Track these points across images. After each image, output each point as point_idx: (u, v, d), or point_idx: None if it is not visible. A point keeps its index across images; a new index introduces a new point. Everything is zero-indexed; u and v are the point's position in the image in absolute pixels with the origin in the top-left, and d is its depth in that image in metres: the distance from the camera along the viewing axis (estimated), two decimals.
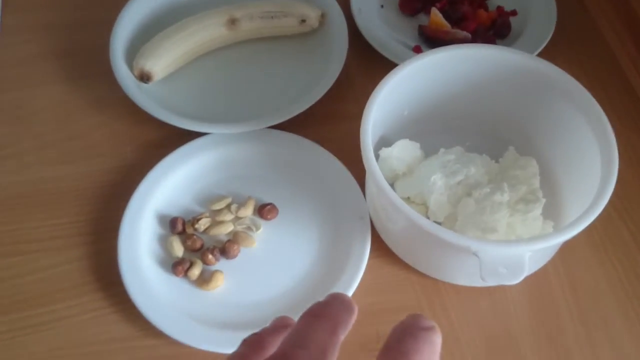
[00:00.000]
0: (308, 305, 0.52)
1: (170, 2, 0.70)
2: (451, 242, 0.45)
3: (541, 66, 0.54)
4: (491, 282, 0.44)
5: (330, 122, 0.64)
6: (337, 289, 0.52)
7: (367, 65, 0.68)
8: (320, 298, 0.53)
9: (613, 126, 0.52)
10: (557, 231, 0.46)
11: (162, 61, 0.62)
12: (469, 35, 0.66)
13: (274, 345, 0.30)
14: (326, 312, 0.29)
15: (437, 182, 0.53)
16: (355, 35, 0.67)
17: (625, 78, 0.67)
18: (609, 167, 0.48)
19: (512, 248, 0.45)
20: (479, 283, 0.52)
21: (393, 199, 0.47)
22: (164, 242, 0.56)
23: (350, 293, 0.52)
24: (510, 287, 0.44)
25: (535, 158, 0.57)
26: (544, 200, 0.54)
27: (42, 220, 0.58)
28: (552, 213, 0.55)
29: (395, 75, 0.53)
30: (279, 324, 0.33)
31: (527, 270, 0.44)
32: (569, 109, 0.53)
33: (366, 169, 0.49)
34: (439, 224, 0.55)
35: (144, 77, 0.62)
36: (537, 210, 0.53)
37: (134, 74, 0.62)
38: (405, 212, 0.46)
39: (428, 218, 0.54)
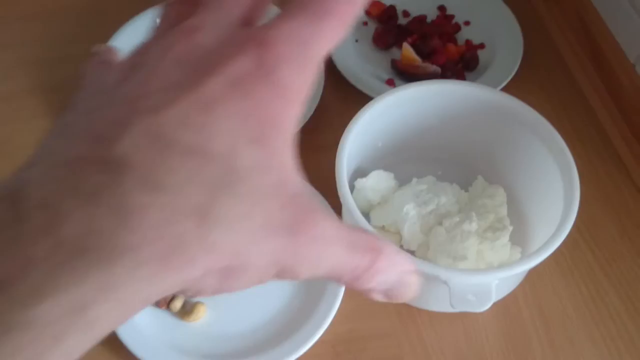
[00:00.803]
0: (288, 334, 0.54)
1: None
2: (422, 271, 0.47)
3: (505, 100, 0.57)
4: (460, 309, 0.47)
5: (308, 153, 0.65)
6: (315, 316, 0.54)
7: (343, 97, 0.70)
8: (299, 326, 0.55)
9: (577, 153, 0.55)
10: (521, 260, 0.48)
11: None
12: (439, 69, 0.69)
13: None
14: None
15: (410, 212, 0.56)
16: (331, 68, 0.70)
17: (590, 107, 0.70)
18: (571, 199, 0.51)
19: (479, 277, 0.47)
20: (451, 309, 0.55)
21: (366, 229, 0.49)
22: None
23: (328, 321, 0.54)
24: (481, 312, 0.46)
25: (503, 187, 0.60)
26: (511, 228, 0.56)
27: None
28: (520, 239, 0.58)
29: (369, 110, 0.56)
30: None
31: (495, 298, 0.47)
32: (532, 140, 0.56)
33: (341, 202, 0.52)
34: (413, 252, 0.57)
35: None
36: (505, 237, 0.55)
37: None
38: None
39: (402, 246, 0.57)
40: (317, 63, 0.22)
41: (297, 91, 0.22)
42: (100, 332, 0.20)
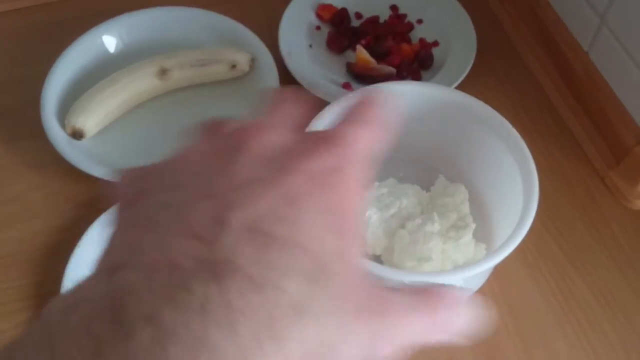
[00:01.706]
0: None
1: (101, 56, 0.70)
2: (385, 277, 0.47)
3: (460, 98, 0.56)
4: None
5: None
6: None
7: None
8: None
9: (537, 145, 0.55)
10: (484, 258, 0.47)
11: (94, 117, 0.63)
12: (394, 70, 0.68)
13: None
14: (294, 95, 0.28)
15: (372, 217, 0.55)
16: (286, 76, 0.69)
17: (547, 97, 0.70)
18: (530, 193, 0.50)
19: (443, 278, 0.46)
20: None
21: None
22: None
23: None
24: None
25: (465, 184, 0.60)
26: (474, 225, 0.56)
27: None
28: (484, 236, 0.57)
29: (323, 116, 0.55)
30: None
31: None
32: (490, 136, 0.56)
33: None
34: (378, 257, 0.56)
35: (77, 134, 0.62)
36: (468, 235, 0.55)
37: (66, 131, 0.62)
38: None
39: (367, 252, 0.56)
40: (371, 170, 0.25)
41: (363, 185, 0.24)
42: None
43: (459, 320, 0.25)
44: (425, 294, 0.24)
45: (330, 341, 0.20)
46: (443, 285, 0.25)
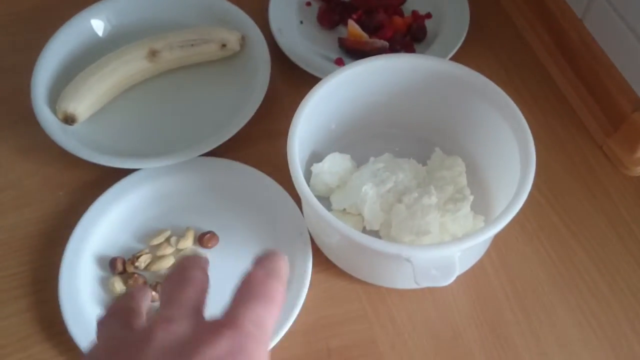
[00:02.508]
0: None
1: (90, 40, 0.69)
2: (383, 251, 0.46)
3: (454, 69, 0.56)
4: (425, 285, 0.46)
5: (262, 142, 0.65)
6: (283, 306, 0.53)
7: (292, 82, 0.69)
8: None
9: (534, 114, 0.54)
10: (482, 228, 0.47)
11: (85, 101, 0.62)
12: (387, 44, 0.67)
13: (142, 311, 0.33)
14: (187, 276, 0.33)
15: (369, 192, 0.55)
16: (277, 53, 0.68)
17: (542, 66, 0.69)
18: (527, 163, 0.50)
19: (441, 250, 0.46)
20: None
21: (324, 215, 0.48)
22: (105, 284, 0.55)
23: (297, 310, 0.53)
24: (450, 285, 0.45)
25: (461, 156, 0.59)
26: (472, 198, 0.55)
27: None
28: (483, 208, 0.57)
29: (316, 92, 0.55)
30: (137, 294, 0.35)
31: (458, 270, 0.46)
32: (486, 107, 0.55)
33: (296, 188, 0.50)
34: (376, 232, 0.56)
35: (68, 120, 0.62)
36: (466, 207, 0.54)
37: (58, 117, 0.62)
38: (335, 227, 0.47)
39: (365, 228, 0.56)
40: (270, 337, 0.30)
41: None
42: None
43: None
44: None
45: None
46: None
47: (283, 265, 0.33)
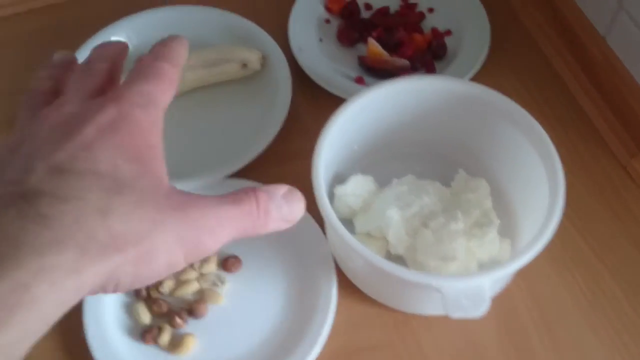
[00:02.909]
0: (283, 356, 0.52)
1: None
2: (413, 281, 0.46)
3: (480, 92, 0.55)
4: (457, 316, 0.45)
5: (284, 163, 0.64)
6: (309, 332, 0.53)
7: (313, 100, 0.68)
8: (294, 346, 0.53)
9: (557, 135, 0.53)
10: (513, 258, 0.47)
11: None
12: (408, 63, 0.67)
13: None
14: (89, 67, 0.35)
15: (393, 216, 0.54)
16: (298, 71, 0.68)
17: (565, 86, 0.69)
18: (556, 189, 0.49)
19: (472, 280, 0.46)
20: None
21: (351, 242, 0.47)
22: (129, 309, 0.55)
23: (323, 337, 0.52)
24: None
25: (486, 178, 0.59)
26: (498, 222, 0.55)
27: None
28: (509, 231, 0.56)
29: (341, 114, 0.54)
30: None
31: (490, 301, 0.45)
32: (510, 129, 0.55)
33: (321, 212, 0.50)
34: (400, 256, 0.55)
35: None
36: (493, 232, 0.54)
37: None
38: (362, 254, 0.47)
39: (389, 252, 0.56)
40: (161, 107, 0.33)
41: (151, 124, 0.31)
42: (46, 312, 0.26)
43: (278, 201, 0.33)
44: (233, 197, 0.32)
45: (139, 231, 0.28)
46: (255, 189, 0.32)
47: (175, 47, 0.35)
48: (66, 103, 0.31)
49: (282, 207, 0.33)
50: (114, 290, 0.29)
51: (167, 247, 0.29)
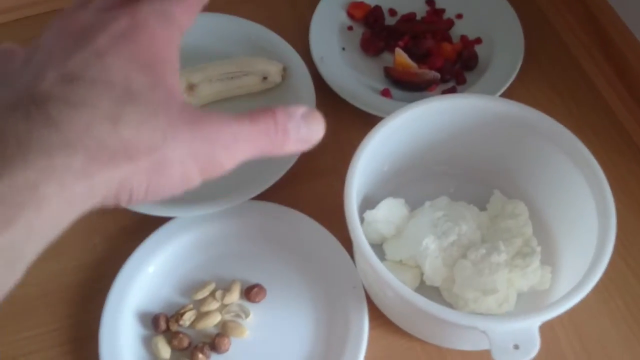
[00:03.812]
0: None
1: None
2: (456, 322, 0.43)
3: (517, 110, 0.52)
4: None
5: (306, 182, 0.61)
6: None
7: (336, 114, 0.64)
8: None
9: (595, 151, 0.50)
10: (566, 297, 0.43)
11: None
12: (438, 75, 0.63)
13: None
14: None
15: (430, 246, 0.51)
16: (319, 82, 0.64)
17: (601, 96, 0.65)
18: (606, 219, 0.46)
19: (522, 322, 0.42)
20: (484, 347, 0.50)
21: (389, 280, 0.44)
22: (148, 343, 0.52)
23: None
24: None
25: (522, 199, 0.55)
26: (539, 249, 0.52)
27: (13, 335, 0.53)
28: (548, 257, 0.53)
29: (374, 136, 0.51)
30: None
31: (539, 344, 0.42)
32: (551, 149, 0.52)
33: (352, 238, 0.47)
34: (437, 287, 0.52)
35: None
36: (536, 262, 0.51)
37: None
38: (403, 295, 0.43)
39: (424, 282, 0.53)
40: (179, 26, 0.31)
41: (168, 39, 0.30)
42: (54, 215, 0.25)
43: (297, 122, 0.31)
44: (250, 115, 0.30)
45: (150, 141, 0.27)
46: (273, 108, 0.31)
47: None
48: (81, 13, 0.31)
49: (301, 127, 0.31)
50: (128, 202, 0.28)
51: (180, 159, 0.28)
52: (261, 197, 0.57)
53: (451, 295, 0.51)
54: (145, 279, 0.54)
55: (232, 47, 0.66)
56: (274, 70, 0.63)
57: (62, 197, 0.25)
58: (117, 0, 0.31)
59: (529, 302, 0.52)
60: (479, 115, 0.53)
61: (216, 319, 0.52)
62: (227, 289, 0.54)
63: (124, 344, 0.51)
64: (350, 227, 0.46)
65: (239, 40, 0.66)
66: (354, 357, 0.50)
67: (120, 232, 0.58)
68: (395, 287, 0.44)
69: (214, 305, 0.53)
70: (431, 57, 0.65)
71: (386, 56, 0.67)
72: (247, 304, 0.54)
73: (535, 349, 0.42)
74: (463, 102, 0.53)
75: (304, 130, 0.32)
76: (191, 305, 0.53)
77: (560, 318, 0.53)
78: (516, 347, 0.42)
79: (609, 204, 0.47)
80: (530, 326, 0.42)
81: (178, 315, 0.52)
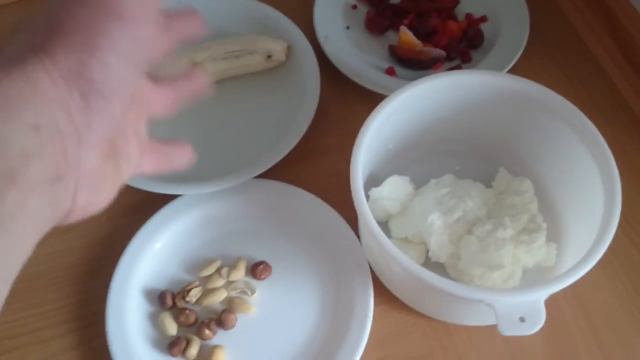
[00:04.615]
0: None
1: None
2: (463, 296, 0.43)
3: (524, 86, 0.51)
4: (511, 334, 0.42)
5: (310, 160, 0.61)
6: (346, 344, 0.50)
7: (341, 93, 0.64)
8: (330, 357, 0.50)
9: (601, 129, 0.50)
10: (570, 271, 0.43)
11: None
12: (443, 53, 0.63)
13: None
14: None
15: (436, 222, 0.51)
16: (324, 61, 0.64)
17: (606, 74, 0.65)
18: (612, 195, 0.46)
19: (528, 295, 0.42)
20: (490, 322, 0.50)
21: (396, 255, 0.44)
22: (155, 320, 0.52)
23: (361, 348, 0.49)
24: None
25: (528, 176, 0.55)
26: (545, 226, 0.52)
27: (21, 312, 0.54)
28: (553, 234, 0.53)
29: (379, 113, 0.50)
30: None
31: (544, 317, 0.42)
32: (557, 126, 0.51)
33: (358, 215, 0.47)
34: (442, 264, 0.52)
35: None
36: (541, 238, 0.51)
37: None
38: (410, 269, 0.43)
39: (429, 258, 0.53)
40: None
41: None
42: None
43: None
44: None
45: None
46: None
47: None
48: None
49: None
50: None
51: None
52: (267, 175, 0.57)
53: (456, 271, 0.51)
54: (152, 257, 0.54)
55: (237, 25, 0.66)
56: (278, 49, 0.62)
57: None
58: None
59: (534, 279, 0.52)
60: (484, 91, 0.53)
61: (222, 295, 0.53)
62: (232, 266, 0.54)
63: (131, 321, 0.51)
64: (356, 203, 0.46)
65: (243, 19, 0.66)
66: (359, 334, 0.50)
67: (127, 210, 0.58)
68: (401, 261, 0.44)
69: (219, 282, 0.53)
70: (436, 36, 0.65)
71: (391, 35, 0.67)
72: (253, 281, 0.54)
73: (541, 322, 0.42)
74: (468, 79, 0.53)
75: None
76: (197, 282, 0.53)
77: (565, 294, 0.53)
78: (522, 319, 0.42)
79: (614, 180, 0.47)
80: (536, 299, 0.42)
81: (184, 291, 0.52)
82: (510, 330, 0.42)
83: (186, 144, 0.37)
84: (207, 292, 0.53)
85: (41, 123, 0.26)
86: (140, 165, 0.34)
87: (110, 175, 0.31)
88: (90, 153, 0.28)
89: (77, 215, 0.30)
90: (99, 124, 0.28)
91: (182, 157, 0.37)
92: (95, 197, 0.30)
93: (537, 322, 0.42)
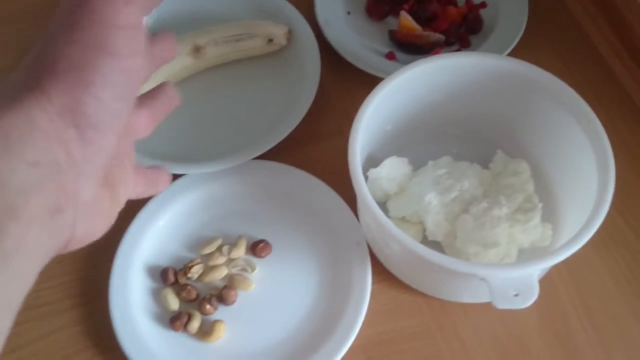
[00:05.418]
0: (317, 344, 0.51)
1: None
2: (458, 270, 0.44)
3: (520, 68, 0.52)
4: (504, 307, 0.43)
5: (310, 143, 0.62)
6: (343, 321, 0.51)
7: (341, 77, 0.65)
8: (328, 333, 0.51)
9: (597, 113, 0.51)
10: (564, 246, 0.44)
11: None
12: (442, 37, 0.64)
13: None
14: None
15: (432, 202, 0.52)
16: (324, 46, 0.65)
17: (604, 61, 0.66)
18: (605, 173, 0.47)
19: (521, 270, 0.43)
20: (486, 299, 0.51)
21: (391, 230, 0.45)
22: (157, 296, 0.53)
23: (358, 325, 0.50)
24: None
25: (525, 158, 0.56)
26: (540, 206, 0.53)
27: None
28: (549, 215, 0.54)
29: (377, 94, 0.51)
30: None
31: (537, 292, 0.43)
32: (553, 108, 0.52)
33: (357, 195, 0.48)
34: (438, 242, 0.53)
35: None
36: (536, 217, 0.52)
37: None
38: (407, 245, 0.45)
39: (426, 237, 0.54)
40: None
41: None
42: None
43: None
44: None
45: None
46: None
47: None
48: None
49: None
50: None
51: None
52: (268, 156, 0.58)
53: (453, 249, 0.52)
54: (155, 234, 0.55)
55: (238, 10, 0.66)
56: (279, 33, 0.63)
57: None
58: None
59: (529, 258, 0.53)
60: (481, 73, 0.53)
61: (223, 272, 0.54)
62: (233, 245, 0.55)
63: (134, 296, 0.52)
64: (354, 182, 0.47)
65: (244, 3, 0.67)
66: (356, 310, 0.51)
67: None
68: (399, 238, 0.45)
69: (221, 259, 0.54)
70: (436, 21, 0.66)
71: (391, 20, 0.68)
72: (253, 259, 0.55)
73: (534, 296, 0.43)
74: (465, 61, 0.54)
75: None
76: (199, 260, 0.54)
77: (560, 274, 0.54)
78: (516, 294, 0.43)
79: (608, 160, 0.48)
80: (529, 274, 0.43)
81: (186, 268, 0.53)
82: (503, 303, 0.43)
83: (165, 169, 0.38)
84: (209, 269, 0.54)
85: (40, 159, 0.26)
86: (134, 191, 0.35)
87: (108, 203, 0.32)
88: (88, 184, 0.29)
89: (77, 244, 0.30)
90: (96, 156, 0.29)
91: (164, 181, 0.38)
92: (94, 225, 0.31)
93: (530, 297, 0.43)
